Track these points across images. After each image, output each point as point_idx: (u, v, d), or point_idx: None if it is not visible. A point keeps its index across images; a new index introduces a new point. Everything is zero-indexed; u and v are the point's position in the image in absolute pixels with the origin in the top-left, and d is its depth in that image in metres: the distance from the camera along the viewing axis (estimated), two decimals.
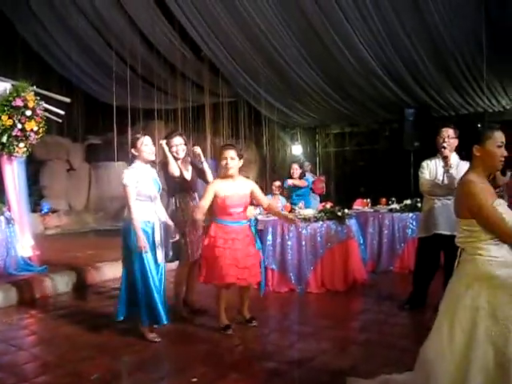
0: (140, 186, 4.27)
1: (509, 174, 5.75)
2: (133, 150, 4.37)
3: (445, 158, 5.06)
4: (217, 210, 4.52)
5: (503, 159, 2.71)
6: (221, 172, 4.62)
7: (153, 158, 4.43)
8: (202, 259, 4.69)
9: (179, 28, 10.75)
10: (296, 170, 8.26)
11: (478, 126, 2.83)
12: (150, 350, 4.10)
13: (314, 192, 8.93)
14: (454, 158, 5.10)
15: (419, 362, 2.75)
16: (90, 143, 14.53)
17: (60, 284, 6.29)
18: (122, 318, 4.34)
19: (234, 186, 4.51)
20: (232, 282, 4.46)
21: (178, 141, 5.04)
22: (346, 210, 6.77)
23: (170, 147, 4.99)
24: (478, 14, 7.93)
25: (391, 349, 4.06)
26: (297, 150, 15.14)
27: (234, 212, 4.48)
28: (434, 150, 5.23)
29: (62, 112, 7.37)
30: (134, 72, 11.88)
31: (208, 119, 13.30)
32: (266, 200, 4.85)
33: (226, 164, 4.48)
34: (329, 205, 6.85)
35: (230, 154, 4.51)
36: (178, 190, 5.05)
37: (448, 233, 4.88)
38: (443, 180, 5.04)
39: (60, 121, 7.67)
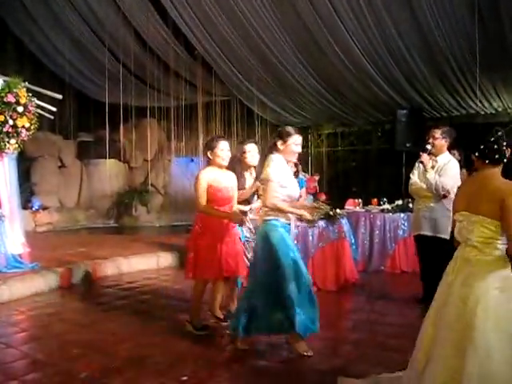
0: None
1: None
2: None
3: (422, 163, 5.10)
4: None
5: None
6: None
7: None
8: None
9: (173, 26, 10.73)
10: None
11: None
12: (140, 348, 4.07)
13: (306, 191, 8.93)
14: (442, 158, 5.12)
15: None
16: (81, 140, 14.45)
17: (51, 281, 6.25)
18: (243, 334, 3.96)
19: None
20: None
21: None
22: (338, 210, 6.76)
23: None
24: (472, 17, 7.97)
25: (383, 348, 4.07)
26: None
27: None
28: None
29: (53, 109, 7.32)
30: (127, 69, 11.84)
31: (201, 117, 13.29)
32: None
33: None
34: (323, 197, 6.80)
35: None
36: None
37: (430, 234, 4.96)
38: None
39: (52, 117, 7.63)
